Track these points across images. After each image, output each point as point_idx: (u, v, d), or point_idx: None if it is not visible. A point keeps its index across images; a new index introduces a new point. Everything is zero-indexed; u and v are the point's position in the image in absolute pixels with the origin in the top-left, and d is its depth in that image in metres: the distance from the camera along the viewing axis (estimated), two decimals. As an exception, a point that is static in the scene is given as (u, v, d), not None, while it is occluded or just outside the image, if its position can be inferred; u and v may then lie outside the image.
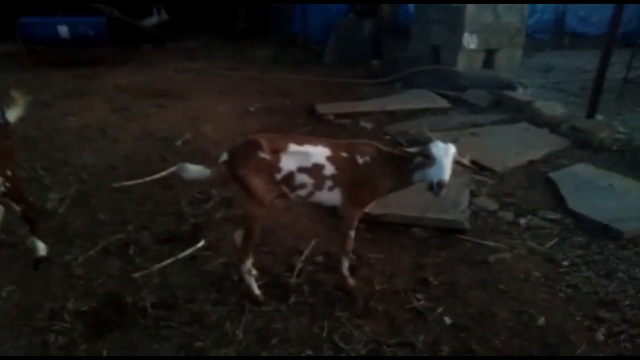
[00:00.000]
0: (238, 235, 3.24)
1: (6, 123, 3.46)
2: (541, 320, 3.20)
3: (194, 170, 3.06)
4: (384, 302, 3.34)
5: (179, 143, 6.14)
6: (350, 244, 3.31)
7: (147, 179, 5.02)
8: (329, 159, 3.06)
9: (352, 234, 3.28)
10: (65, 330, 3.04)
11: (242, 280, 3.30)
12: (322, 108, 7.57)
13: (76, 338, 2.99)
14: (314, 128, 6.75)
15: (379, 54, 11.43)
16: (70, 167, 5.37)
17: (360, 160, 3.08)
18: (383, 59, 11.05)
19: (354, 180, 3.09)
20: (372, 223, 4.10)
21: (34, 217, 3.61)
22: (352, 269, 3.48)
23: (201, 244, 3.92)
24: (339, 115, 7.30)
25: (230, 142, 6.10)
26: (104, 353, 2.88)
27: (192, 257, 3.79)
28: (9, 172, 3.34)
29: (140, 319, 3.16)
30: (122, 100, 7.84)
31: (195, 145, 6.00)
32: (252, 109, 7.75)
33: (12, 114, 3.50)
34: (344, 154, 3.10)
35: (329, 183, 3.09)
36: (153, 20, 13.09)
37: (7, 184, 3.33)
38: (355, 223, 3.28)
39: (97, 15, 10.58)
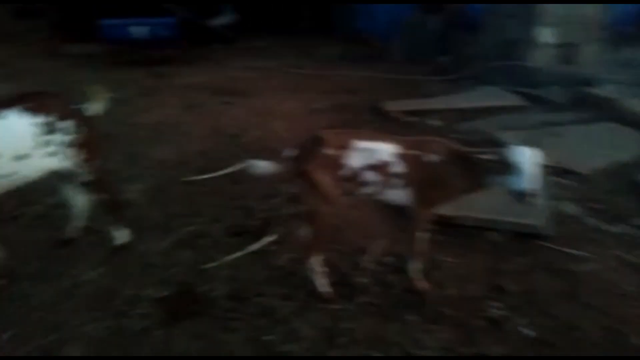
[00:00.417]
0: (303, 231, 3.22)
1: (87, 116, 3.63)
2: (635, 340, 2.93)
3: (262, 166, 3.07)
4: (457, 308, 3.20)
5: (247, 139, 6.24)
6: (422, 246, 3.19)
7: (218, 173, 5.13)
8: (396, 156, 2.96)
9: (424, 235, 3.16)
10: (142, 316, 3.15)
11: (310, 276, 3.28)
12: (389, 105, 7.44)
13: (151, 324, 3.09)
14: (381, 126, 6.64)
15: (446, 50, 11.08)
16: (146, 160, 5.60)
17: (430, 159, 2.96)
18: (451, 55, 10.71)
19: (423, 180, 2.97)
20: (444, 225, 3.95)
21: (118, 207, 3.78)
22: (423, 272, 3.36)
23: (271, 238, 3.94)
24: (406, 113, 7.14)
25: (297, 139, 6.23)
26: (176, 340, 2.95)
27: (262, 251, 3.82)
28: (97, 162, 3.52)
29: (210, 309, 3.22)
30: (193, 97, 8.10)
31: (264, 142, 6.08)
32: (319, 106, 7.75)
33: (94, 107, 3.67)
34: (413, 152, 2.98)
35: (396, 181, 2.99)
36: (222, 20, 13.45)
37: (96, 174, 3.51)
38: (427, 225, 3.16)
39: (170, 16, 11.03)
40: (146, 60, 10.65)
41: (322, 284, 3.26)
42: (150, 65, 10.35)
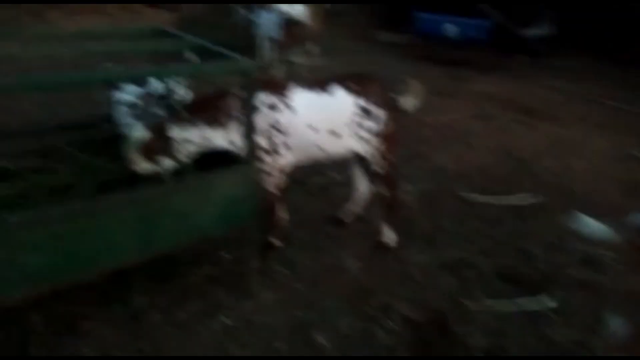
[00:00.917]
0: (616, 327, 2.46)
1: (399, 109, 3.55)
2: None
3: (594, 226, 2.42)
4: None
5: (537, 170, 5.47)
6: None
7: (501, 200, 4.60)
8: None
9: None
10: (390, 331, 2.96)
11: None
12: None
13: (398, 344, 2.86)
14: None
15: None
16: (425, 163, 5.42)
17: None
18: None
19: None
20: None
21: (395, 206, 3.67)
22: None
23: (549, 303, 3.27)
24: None
25: (606, 190, 5.27)
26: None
27: (535, 312, 3.19)
28: (392, 157, 3.43)
29: (461, 353, 2.81)
30: (486, 107, 7.60)
31: (560, 180, 5.20)
32: (637, 153, 6.32)
33: (408, 102, 3.56)
34: None
35: None
36: (536, 30, 12.32)
37: (388, 169, 3.43)
38: None
39: (482, 17, 10.58)
40: (449, 60, 10.53)
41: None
42: (450, 65, 10.19)
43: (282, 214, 3.76)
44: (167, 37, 3.21)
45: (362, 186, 3.82)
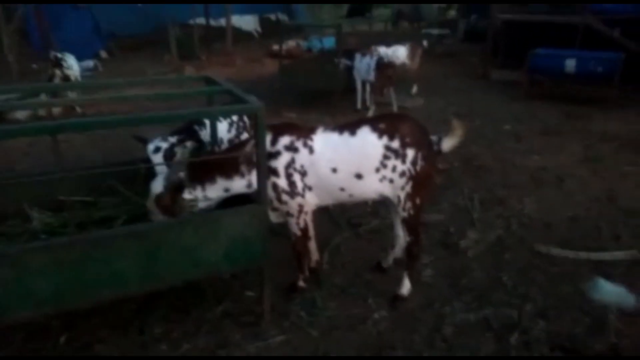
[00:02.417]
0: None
1: (439, 151, 3.32)
2: None
3: (610, 291, 1.98)
4: None
5: (646, 222, 4.62)
6: None
7: (580, 255, 3.96)
8: None
9: None
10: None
11: None
12: None
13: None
14: None
15: None
16: (505, 208, 4.92)
17: None
18: None
19: None
20: None
21: (415, 255, 3.39)
22: None
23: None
24: None
25: None
26: None
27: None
28: (418, 200, 3.20)
29: None
30: (599, 149, 6.67)
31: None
32: None
33: (448, 143, 3.31)
34: None
35: None
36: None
37: (411, 212, 3.20)
38: None
39: (611, 50, 9.44)
40: (566, 96, 9.56)
41: None
42: (568, 102, 9.23)
43: (314, 255, 3.70)
44: (204, 84, 3.47)
45: (399, 231, 3.60)
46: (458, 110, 8.68)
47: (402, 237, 3.57)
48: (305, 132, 3.19)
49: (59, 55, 8.33)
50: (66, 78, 8.03)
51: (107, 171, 3.37)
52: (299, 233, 3.32)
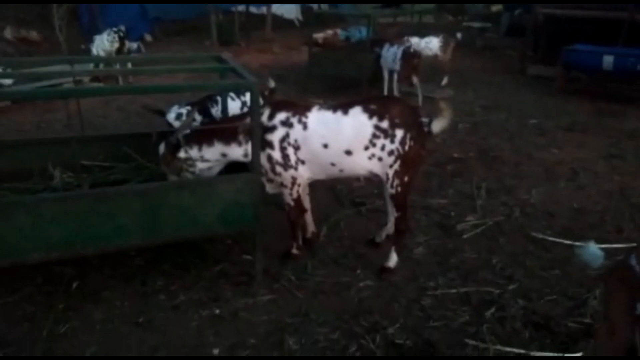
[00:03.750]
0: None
1: (429, 132, 3.46)
2: None
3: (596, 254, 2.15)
4: None
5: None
6: None
7: (578, 244, 4.00)
8: None
9: None
10: (367, 349, 2.91)
11: None
12: None
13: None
14: None
15: None
16: (511, 197, 4.97)
17: None
18: None
19: None
20: None
21: (402, 231, 3.57)
22: None
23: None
24: None
25: None
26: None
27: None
28: (406, 179, 3.37)
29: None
30: (623, 147, 6.52)
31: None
32: None
33: (437, 125, 3.45)
34: None
35: None
36: None
37: (399, 189, 3.37)
38: None
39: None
40: (600, 93, 9.31)
41: None
42: (602, 98, 8.99)
43: (310, 226, 3.92)
44: (216, 62, 3.75)
45: (389, 208, 3.76)
46: (486, 103, 8.66)
47: (391, 213, 3.75)
48: (301, 109, 3.41)
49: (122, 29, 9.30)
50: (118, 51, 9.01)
51: (125, 140, 3.74)
52: (292, 203, 3.55)
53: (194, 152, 3.38)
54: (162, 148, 3.36)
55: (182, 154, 3.36)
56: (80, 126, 3.81)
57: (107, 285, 3.36)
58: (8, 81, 7.04)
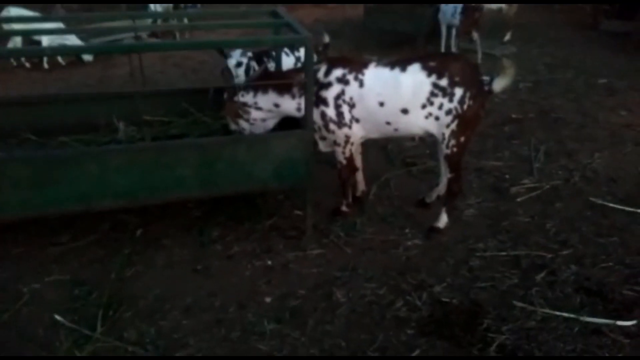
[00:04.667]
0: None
1: (490, 91, 3.34)
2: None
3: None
4: None
5: None
6: None
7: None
8: None
9: None
10: (413, 305, 2.95)
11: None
12: None
13: (411, 320, 2.85)
14: None
15: None
16: (571, 161, 4.77)
17: None
18: None
19: None
20: None
21: (454, 192, 3.53)
22: None
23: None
24: None
25: None
26: None
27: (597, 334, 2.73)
28: (462, 139, 3.31)
29: (474, 348, 2.65)
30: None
31: None
32: None
33: (499, 83, 3.31)
34: None
35: None
36: None
37: (455, 149, 3.32)
38: None
39: None
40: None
41: None
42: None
43: (360, 185, 3.96)
44: (271, 17, 3.75)
45: (442, 168, 3.72)
46: (551, 60, 8.17)
47: (444, 174, 3.71)
48: (358, 65, 3.37)
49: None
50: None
51: (184, 95, 3.88)
52: (344, 162, 3.58)
53: (249, 98, 3.45)
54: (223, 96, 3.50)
55: (240, 98, 3.45)
56: (141, 81, 3.96)
57: (167, 234, 3.58)
58: (72, 36, 7.33)
